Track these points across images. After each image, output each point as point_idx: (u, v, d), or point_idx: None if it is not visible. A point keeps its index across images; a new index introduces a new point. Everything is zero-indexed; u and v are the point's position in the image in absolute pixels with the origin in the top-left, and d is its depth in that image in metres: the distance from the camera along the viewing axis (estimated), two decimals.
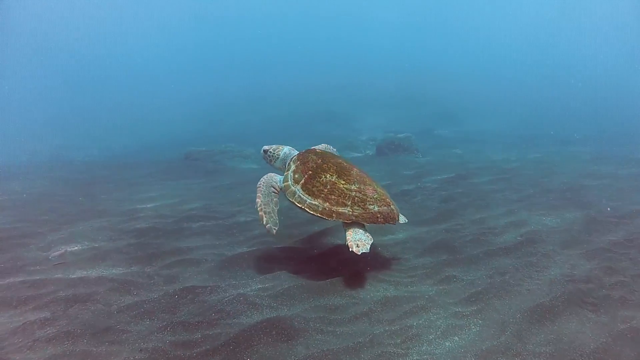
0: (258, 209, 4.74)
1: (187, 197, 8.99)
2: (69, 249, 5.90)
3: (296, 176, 4.78)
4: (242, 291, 4.33)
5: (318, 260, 5.18)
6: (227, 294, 4.31)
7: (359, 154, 15.25)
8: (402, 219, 4.94)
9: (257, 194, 4.83)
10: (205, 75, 47.27)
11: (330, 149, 5.79)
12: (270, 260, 5.21)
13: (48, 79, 44.97)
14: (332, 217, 4.46)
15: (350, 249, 4.24)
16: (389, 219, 4.59)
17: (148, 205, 8.38)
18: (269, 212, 4.72)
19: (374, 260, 5.08)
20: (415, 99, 27.22)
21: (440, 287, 4.30)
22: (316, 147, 5.60)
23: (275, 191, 4.94)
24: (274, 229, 4.66)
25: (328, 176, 4.65)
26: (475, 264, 4.83)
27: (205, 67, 52.31)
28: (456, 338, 3.46)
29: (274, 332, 3.53)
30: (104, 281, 4.70)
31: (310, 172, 4.72)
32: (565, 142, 15.61)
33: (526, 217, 6.41)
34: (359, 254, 4.21)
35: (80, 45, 55.36)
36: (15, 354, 3.46)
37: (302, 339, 3.48)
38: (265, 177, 5.02)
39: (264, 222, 4.65)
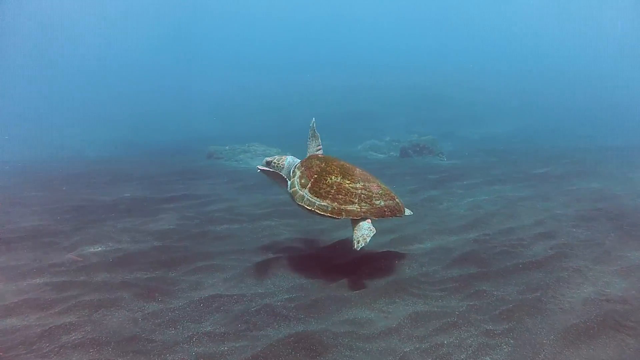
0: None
1: (210, 197, 8.95)
2: (92, 250, 5.90)
3: (302, 181, 4.94)
4: (268, 301, 4.26)
5: (346, 269, 5.07)
6: (254, 304, 4.24)
7: (383, 155, 15.13)
8: (407, 212, 5.12)
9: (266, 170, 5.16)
10: (229, 74, 47.37)
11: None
12: (297, 267, 5.13)
13: (72, 75, 45.49)
14: (341, 215, 4.63)
15: (355, 244, 4.42)
16: (395, 211, 4.81)
17: (171, 205, 8.37)
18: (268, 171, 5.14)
19: (402, 271, 4.97)
20: (437, 100, 26.97)
21: (471, 303, 4.17)
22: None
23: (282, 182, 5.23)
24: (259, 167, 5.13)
25: (333, 178, 4.83)
26: (505, 278, 4.69)
27: (229, 66, 52.45)
28: (488, 359, 3.36)
29: (302, 348, 3.44)
30: (128, 286, 4.67)
31: (315, 175, 4.89)
32: (595, 147, 15.29)
33: (555, 228, 6.24)
34: (358, 249, 4.40)
35: (102, 43, 55.92)
36: (43, 359, 3.44)
37: (331, 356, 3.39)
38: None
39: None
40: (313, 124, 5.60)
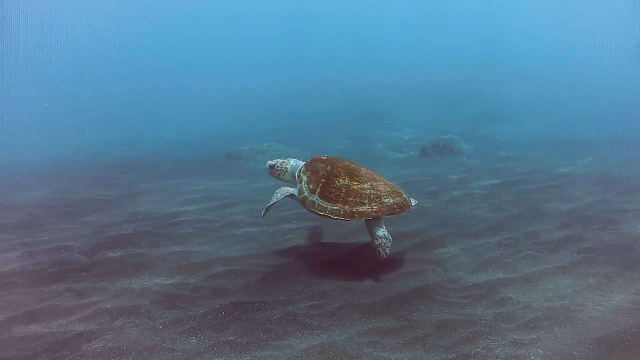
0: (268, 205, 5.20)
1: (229, 199, 8.89)
2: (112, 255, 5.89)
3: (311, 186, 5.03)
4: (290, 309, 4.19)
5: (369, 274, 4.98)
6: (276, 312, 4.17)
7: (403, 155, 14.94)
8: (413, 201, 5.31)
9: (273, 200, 5.21)
10: (246, 72, 47.38)
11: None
12: (318, 273, 5.05)
13: (92, 73, 45.92)
14: (354, 217, 4.75)
15: (378, 255, 4.82)
16: (404, 207, 4.96)
17: (191, 208, 8.34)
18: (274, 203, 5.20)
19: (427, 277, 4.86)
20: (457, 97, 26.62)
21: (497, 311, 4.05)
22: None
23: (289, 195, 5.30)
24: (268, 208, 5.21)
25: (341, 180, 4.94)
26: (532, 284, 4.55)
27: (246, 64, 52.48)
28: None
29: (326, 359, 3.38)
30: (149, 293, 4.64)
31: (323, 180, 4.99)
32: (618, 145, 14.95)
33: (581, 231, 6.07)
34: (384, 256, 4.81)
35: (124, 40, 56.41)
36: None
37: None
38: (279, 189, 5.36)
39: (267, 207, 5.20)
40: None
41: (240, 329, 3.91)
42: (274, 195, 5.25)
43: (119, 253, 5.96)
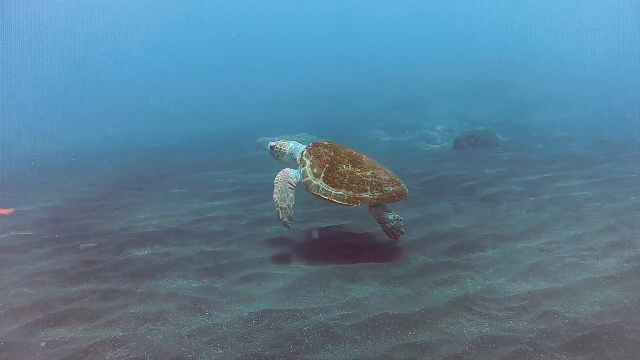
0: (275, 204, 5.29)
1: (259, 193, 8.71)
2: (139, 254, 5.78)
3: (315, 170, 5.24)
4: (322, 318, 3.96)
5: (404, 281, 4.72)
6: (307, 321, 3.95)
7: (436, 146, 14.57)
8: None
9: (274, 190, 5.34)
10: (283, 66, 47.11)
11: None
12: (351, 278, 4.80)
13: (122, 66, 46.45)
14: (357, 203, 5.04)
15: (393, 237, 5.23)
16: (402, 195, 5.25)
17: (220, 203, 8.20)
18: (285, 208, 5.27)
19: (465, 285, 4.57)
20: (491, 86, 25.94)
21: (541, 327, 3.72)
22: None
23: (292, 187, 5.43)
24: (289, 223, 5.29)
25: (344, 167, 5.17)
26: (578, 297, 4.20)
27: (281, 56, 52.34)
28: None
29: None
30: (175, 298, 4.49)
31: (327, 165, 5.20)
32: None
33: (629, 235, 5.66)
34: (399, 238, 5.22)
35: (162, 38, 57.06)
36: None
37: None
38: (281, 173, 5.48)
39: (280, 217, 5.25)
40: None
41: (269, 339, 3.71)
42: (278, 195, 5.33)
43: (145, 252, 5.85)
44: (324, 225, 6.66)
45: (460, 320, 3.92)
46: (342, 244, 5.85)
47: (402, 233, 5.26)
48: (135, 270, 5.21)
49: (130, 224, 7.06)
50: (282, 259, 5.46)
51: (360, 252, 5.57)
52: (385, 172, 5.28)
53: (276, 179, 5.42)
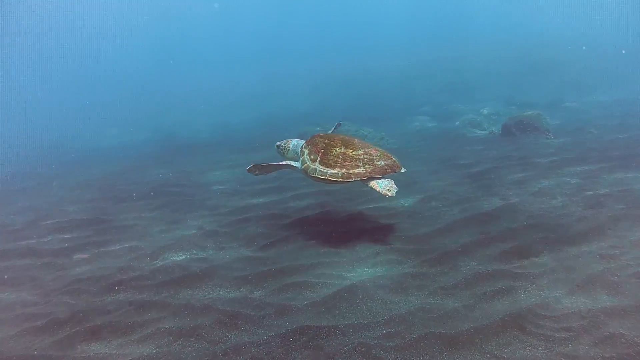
0: (259, 165, 6.06)
1: (300, 189, 8.44)
2: (176, 259, 5.65)
3: (312, 157, 5.70)
4: (363, 338, 3.68)
5: (452, 293, 4.38)
6: (347, 340, 3.68)
7: (482, 132, 13.95)
8: (402, 169, 5.82)
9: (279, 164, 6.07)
10: (325, 54, 46.70)
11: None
12: (396, 289, 4.49)
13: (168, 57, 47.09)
14: (351, 178, 5.41)
15: (386, 196, 5.30)
16: (395, 167, 5.64)
17: (260, 200, 8.02)
18: (258, 168, 6.09)
19: (517, 298, 4.17)
20: (538, 64, 24.75)
21: (606, 355, 3.27)
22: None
23: (286, 166, 6.12)
24: (253, 171, 6.12)
25: (337, 149, 5.62)
26: None
27: (322, 41, 52.03)
28: None
29: None
30: (210, 311, 4.31)
31: (322, 150, 5.66)
32: None
33: None
34: (394, 194, 5.29)
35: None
36: None
37: None
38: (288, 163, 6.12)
39: (249, 168, 6.08)
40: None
41: None
42: (267, 167, 6.11)
43: (183, 256, 5.72)
44: (368, 227, 6.35)
45: (513, 341, 3.54)
46: (387, 249, 5.51)
47: (393, 194, 5.35)
48: (171, 279, 5.07)
49: (169, 225, 6.97)
50: (322, 266, 5.19)
51: (406, 257, 5.24)
52: (377, 150, 5.70)
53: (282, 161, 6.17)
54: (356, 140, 5.82)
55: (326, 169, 5.50)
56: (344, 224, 6.50)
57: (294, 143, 6.34)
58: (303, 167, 5.77)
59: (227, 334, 3.97)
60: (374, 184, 5.45)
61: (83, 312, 4.55)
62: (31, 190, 10.90)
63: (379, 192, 5.34)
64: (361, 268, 5.09)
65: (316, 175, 5.54)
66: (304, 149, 5.94)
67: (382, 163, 5.55)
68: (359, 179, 5.43)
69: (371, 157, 5.56)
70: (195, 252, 5.85)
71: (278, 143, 6.54)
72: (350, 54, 40.86)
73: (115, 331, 4.17)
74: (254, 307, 4.38)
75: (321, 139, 5.85)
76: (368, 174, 5.44)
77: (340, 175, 5.43)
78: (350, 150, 5.59)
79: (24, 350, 4.02)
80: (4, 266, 6.06)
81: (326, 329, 3.87)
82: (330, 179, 5.45)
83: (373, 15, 59.01)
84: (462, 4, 54.87)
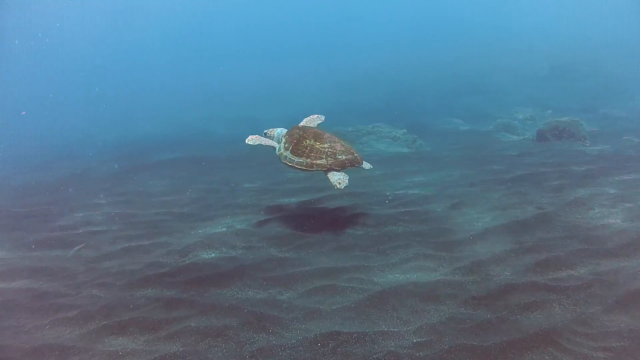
0: (254, 138, 6.63)
1: (331, 191, 8.29)
2: (206, 257, 5.65)
3: (286, 145, 6.36)
4: (393, 347, 3.61)
5: (485, 302, 4.27)
6: (376, 348, 3.61)
7: (517, 138, 13.63)
8: (367, 165, 6.57)
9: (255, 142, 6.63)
10: (357, 53, 46.49)
11: (320, 118, 7.26)
12: (427, 297, 4.39)
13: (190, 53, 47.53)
14: (312, 167, 6.07)
15: (335, 187, 5.90)
16: (354, 162, 6.24)
17: (292, 200, 7.98)
18: (254, 140, 6.61)
19: (553, 313, 4.03)
20: (573, 69, 24.15)
21: None
22: (307, 117, 7.23)
23: (270, 144, 6.71)
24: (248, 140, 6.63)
25: (308, 141, 6.24)
26: None
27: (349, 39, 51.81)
28: None
29: None
30: (238, 311, 4.29)
31: (295, 141, 6.30)
32: None
33: None
34: (342, 187, 5.90)
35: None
36: None
37: None
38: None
39: (248, 138, 6.62)
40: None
41: None
42: (261, 141, 6.66)
43: (213, 254, 5.72)
44: (399, 230, 6.25)
45: (547, 357, 3.41)
46: (420, 256, 5.39)
47: (343, 186, 5.92)
48: (200, 277, 5.07)
49: (199, 222, 6.98)
50: (353, 270, 5.12)
51: (438, 264, 5.14)
52: (342, 145, 6.31)
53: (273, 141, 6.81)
54: (326, 135, 6.42)
55: (294, 157, 6.15)
56: (375, 228, 6.41)
57: (278, 131, 6.97)
58: (278, 153, 6.47)
59: (254, 335, 3.94)
60: (330, 175, 6.06)
61: (112, 306, 4.59)
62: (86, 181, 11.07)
63: (332, 183, 5.97)
64: (392, 274, 5.00)
65: (285, 162, 6.24)
66: (282, 138, 6.60)
67: (343, 157, 6.17)
68: (319, 169, 6.09)
69: (334, 151, 6.18)
70: (224, 250, 5.84)
71: (265, 131, 7.10)
72: (372, 51, 40.48)
73: (142, 327, 4.18)
74: (282, 309, 4.35)
75: (298, 131, 6.48)
76: (328, 165, 6.09)
77: (304, 164, 6.09)
78: (318, 143, 6.21)
79: (55, 340, 4.09)
80: (37, 256, 6.15)
81: (355, 335, 3.81)
82: (296, 166, 6.13)
83: (398, 12, 58.66)
84: (484, 5, 54.25)
